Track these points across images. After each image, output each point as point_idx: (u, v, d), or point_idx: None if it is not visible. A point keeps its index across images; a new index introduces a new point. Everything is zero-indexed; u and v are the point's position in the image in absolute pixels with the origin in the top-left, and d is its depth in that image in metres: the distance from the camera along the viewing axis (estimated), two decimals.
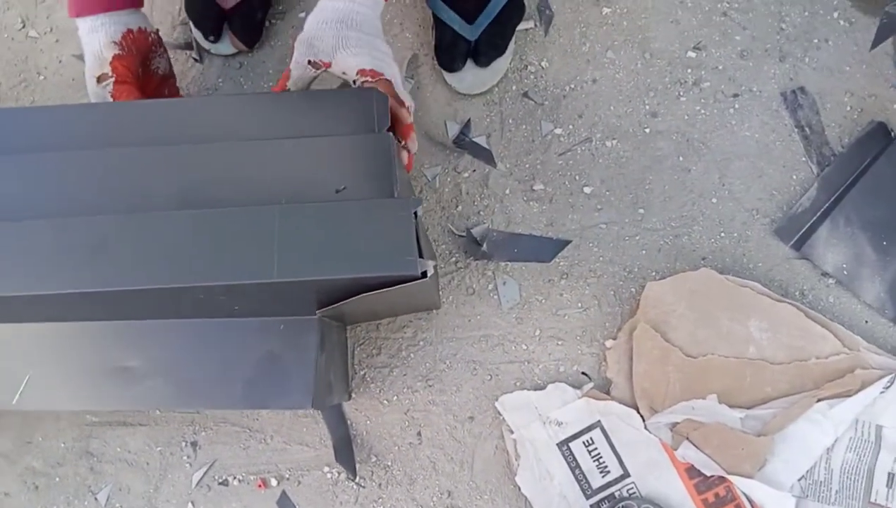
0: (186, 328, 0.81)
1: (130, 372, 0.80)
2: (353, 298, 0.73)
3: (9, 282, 0.71)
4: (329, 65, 0.81)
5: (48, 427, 0.98)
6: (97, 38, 0.85)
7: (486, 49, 1.02)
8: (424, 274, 0.69)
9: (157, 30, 0.93)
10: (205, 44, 1.10)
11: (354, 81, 0.81)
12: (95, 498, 0.95)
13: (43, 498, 0.96)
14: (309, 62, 0.81)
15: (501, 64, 1.04)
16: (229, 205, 0.73)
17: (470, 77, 1.04)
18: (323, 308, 0.77)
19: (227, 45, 1.10)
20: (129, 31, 0.87)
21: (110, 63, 0.85)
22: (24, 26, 1.16)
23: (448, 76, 1.05)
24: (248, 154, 0.76)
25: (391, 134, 0.77)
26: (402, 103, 0.82)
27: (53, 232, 0.73)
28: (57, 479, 0.96)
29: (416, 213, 0.70)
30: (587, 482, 0.90)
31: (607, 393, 0.93)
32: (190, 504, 0.94)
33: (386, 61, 0.82)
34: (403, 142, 0.85)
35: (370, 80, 0.80)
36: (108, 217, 0.73)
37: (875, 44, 0.87)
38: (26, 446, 0.98)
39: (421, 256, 0.69)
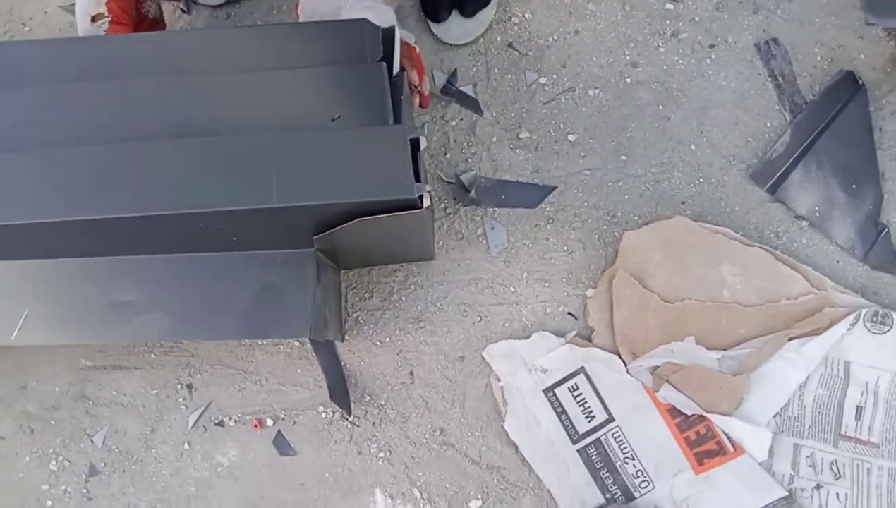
0: (185, 262, 0.77)
1: (129, 306, 0.76)
2: (351, 223, 0.69)
3: (9, 211, 0.66)
4: None
5: (43, 371, 0.92)
6: None
7: (471, 0, 0.96)
8: (421, 200, 0.65)
9: None
10: None
11: None
12: (92, 441, 0.90)
13: (39, 441, 0.90)
14: None
15: (486, 14, 0.98)
16: (226, 134, 0.69)
17: (455, 27, 0.98)
18: (320, 234, 0.71)
19: None
20: None
21: (106, 4, 0.80)
22: None
23: (434, 26, 0.99)
24: (243, 85, 0.72)
25: (383, 63, 0.72)
26: (412, 49, 0.79)
27: (52, 162, 0.68)
28: (52, 422, 0.90)
29: (415, 140, 0.66)
30: (573, 427, 0.86)
31: (589, 340, 0.89)
32: (186, 445, 0.89)
33: (389, 15, 0.78)
34: (419, 86, 0.82)
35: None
36: (107, 146, 0.68)
37: None
38: (21, 390, 0.92)
39: (418, 180, 0.66)
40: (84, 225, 0.68)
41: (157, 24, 0.90)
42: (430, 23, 0.99)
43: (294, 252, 0.77)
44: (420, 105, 0.83)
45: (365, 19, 0.74)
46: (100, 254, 0.77)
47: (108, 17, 0.80)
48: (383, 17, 0.76)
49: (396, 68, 0.71)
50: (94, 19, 0.80)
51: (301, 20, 0.79)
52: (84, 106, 0.71)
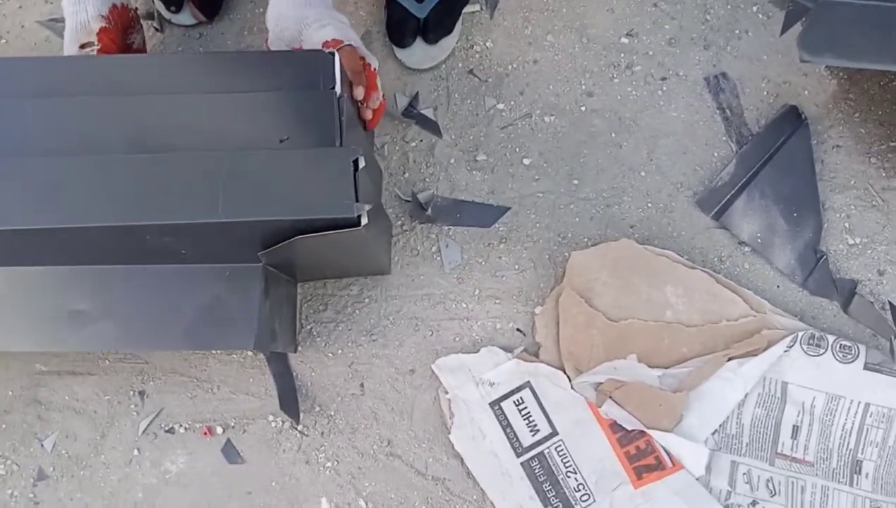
0: (136, 274, 0.78)
1: (81, 315, 0.77)
2: (293, 240, 0.71)
3: None
4: (301, 46, 0.80)
5: None
6: (85, 8, 0.85)
7: (435, 27, 1.00)
8: (359, 220, 0.67)
9: (136, 8, 0.92)
10: (166, 14, 1.06)
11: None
12: (42, 445, 0.90)
13: None
14: None
15: (448, 42, 1.02)
16: (179, 150, 0.71)
17: (419, 53, 1.02)
18: (267, 249, 0.73)
19: (187, 16, 1.06)
20: (115, 6, 0.87)
21: (97, 33, 0.84)
22: None
23: (398, 52, 1.02)
24: (197, 105, 0.74)
25: (334, 90, 0.75)
26: (366, 66, 0.82)
27: (5, 173, 0.69)
28: (3, 426, 0.91)
29: (356, 162, 0.68)
30: (518, 440, 0.88)
31: (536, 355, 0.91)
32: (136, 451, 0.90)
33: (344, 29, 0.82)
34: (366, 103, 0.84)
35: (334, 50, 0.78)
36: (61, 158, 0.70)
37: (783, 30, 0.88)
38: None
39: (358, 200, 0.68)
40: (36, 234, 0.70)
41: (139, 53, 0.93)
42: (394, 48, 1.03)
43: (242, 266, 0.78)
44: (366, 125, 0.85)
45: (321, 50, 0.77)
46: (53, 263, 0.78)
47: (97, 45, 0.83)
48: (341, 31, 0.79)
49: (338, 89, 0.74)
50: (82, 47, 0.84)
51: (271, 47, 0.82)
52: (41, 120, 0.73)
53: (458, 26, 1.03)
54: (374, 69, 0.83)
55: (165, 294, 0.77)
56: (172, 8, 1.04)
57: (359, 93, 0.80)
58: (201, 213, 0.68)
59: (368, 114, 0.84)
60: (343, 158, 0.69)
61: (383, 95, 0.85)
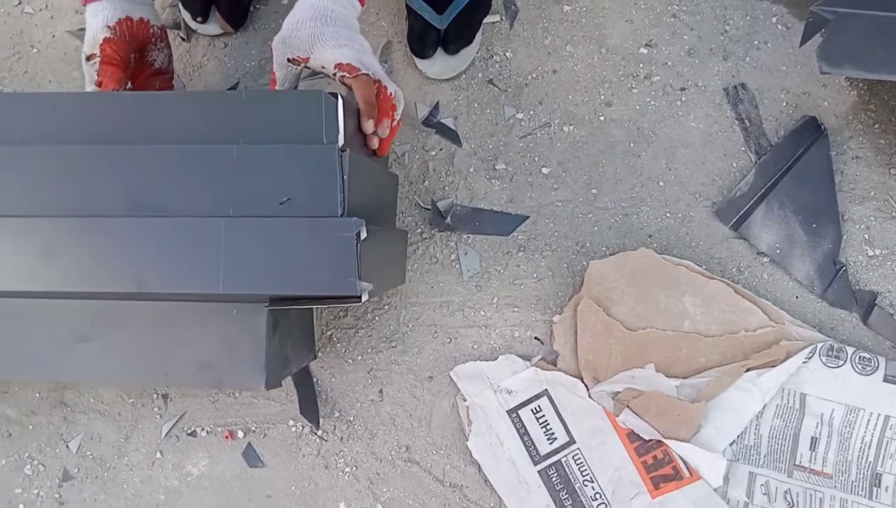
0: (144, 309, 0.75)
1: (88, 347, 0.75)
2: (298, 306, 0.70)
3: None
4: (307, 60, 0.76)
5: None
6: (96, 21, 0.83)
7: (455, 38, 1.01)
8: (360, 298, 0.66)
9: (164, 25, 0.89)
10: (193, 24, 1.07)
11: (334, 75, 0.76)
12: (67, 446, 0.92)
13: (16, 445, 0.92)
14: (288, 60, 0.77)
15: (468, 52, 1.03)
16: (177, 211, 0.69)
17: (439, 63, 1.02)
18: (271, 306, 0.73)
19: (213, 26, 1.07)
20: (129, 18, 0.84)
21: (100, 44, 0.82)
22: (20, 2, 1.13)
23: (419, 62, 1.03)
24: (196, 159, 0.70)
25: (337, 145, 0.70)
26: (382, 90, 0.78)
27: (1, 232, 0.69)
28: (31, 427, 0.92)
29: (358, 234, 0.66)
30: (535, 448, 0.88)
31: (554, 364, 0.92)
32: (159, 454, 0.91)
33: (365, 55, 0.77)
34: (374, 129, 0.79)
35: (347, 75, 0.75)
36: (59, 219, 0.69)
37: (803, 41, 0.87)
38: (1, 395, 0.94)
39: (360, 278, 0.66)
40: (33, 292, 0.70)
41: (161, 74, 0.91)
42: (415, 59, 1.04)
43: (250, 306, 0.75)
44: (376, 152, 0.82)
45: (323, 92, 0.72)
46: (59, 297, 0.76)
47: (98, 57, 0.81)
48: (358, 55, 0.76)
49: (341, 141, 0.70)
50: (88, 58, 0.82)
51: (274, 54, 0.79)
52: (35, 172, 0.71)
53: (478, 37, 1.04)
54: (391, 94, 0.79)
55: (175, 330, 0.75)
56: (199, 18, 1.05)
57: (368, 126, 0.77)
58: (201, 285, 0.67)
59: (375, 144, 0.80)
60: (345, 230, 0.66)
61: (400, 115, 0.82)
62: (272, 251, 0.67)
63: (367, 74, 0.75)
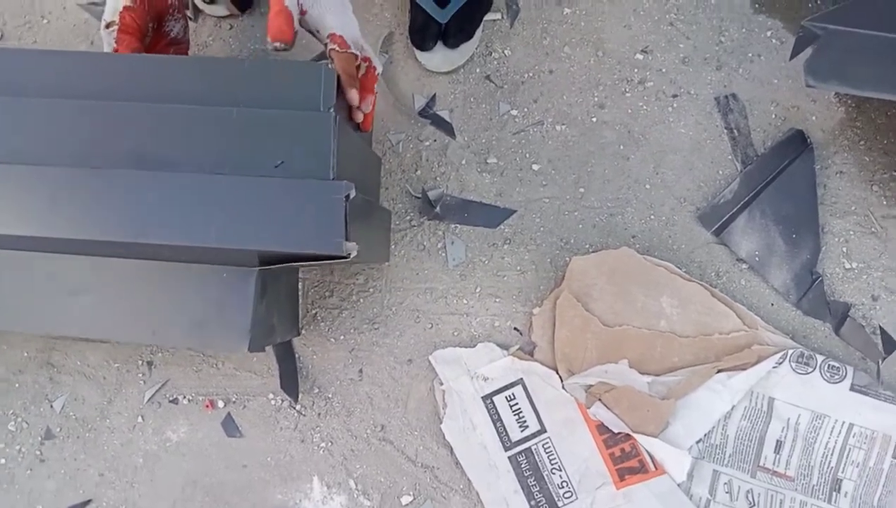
0: (138, 267, 0.78)
1: (79, 301, 0.77)
2: (286, 265, 0.72)
3: None
4: (305, 13, 0.78)
5: (14, 337, 0.96)
6: None
7: (455, 32, 1.03)
8: (348, 256, 0.68)
9: None
10: (201, 4, 1.09)
11: (326, 45, 0.78)
12: (51, 406, 0.93)
13: (1, 402, 0.94)
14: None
15: (468, 47, 1.04)
16: (177, 167, 0.71)
17: (439, 56, 1.04)
18: (261, 266, 0.75)
19: (220, 8, 1.09)
20: None
21: (120, 13, 0.82)
22: None
23: (419, 54, 1.05)
24: (198, 119, 0.73)
25: (332, 113, 0.73)
26: (373, 72, 0.81)
27: (7, 178, 0.70)
28: (17, 385, 0.94)
29: (348, 196, 0.68)
30: (507, 435, 0.89)
31: (531, 354, 0.93)
32: (140, 418, 0.92)
33: (356, 32, 0.80)
34: (358, 105, 0.82)
35: (337, 48, 0.77)
36: (66, 169, 0.71)
37: (793, 55, 0.89)
38: None
39: (348, 238, 0.68)
40: (38, 239, 0.71)
41: (178, 43, 0.92)
42: (416, 51, 1.06)
43: (239, 269, 0.78)
44: (361, 127, 0.84)
45: (323, 64, 0.75)
46: (55, 251, 0.79)
47: (117, 25, 0.81)
48: (352, 32, 0.79)
49: (332, 101, 0.73)
50: (107, 26, 0.83)
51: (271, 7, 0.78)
52: (44, 124, 0.73)
53: (479, 33, 1.05)
54: (378, 73, 0.82)
55: (166, 290, 0.77)
56: None
57: (353, 97, 0.79)
58: (195, 237, 0.68)
59: (360, 117, 0.83)
60: (336, 192, 0.68)
61: (377, 96, 0.84)
62: (264, 209, 0.69)
63: (355, 54, 0.78)
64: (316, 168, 0.71)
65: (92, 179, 0.70)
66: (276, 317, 0.85)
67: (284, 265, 0.83)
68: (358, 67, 0.81)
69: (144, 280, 0.78)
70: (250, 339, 0.76)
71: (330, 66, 0.74)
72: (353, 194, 0.68)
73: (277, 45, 0.76)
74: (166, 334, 0.78)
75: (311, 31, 0.80)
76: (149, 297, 0.78)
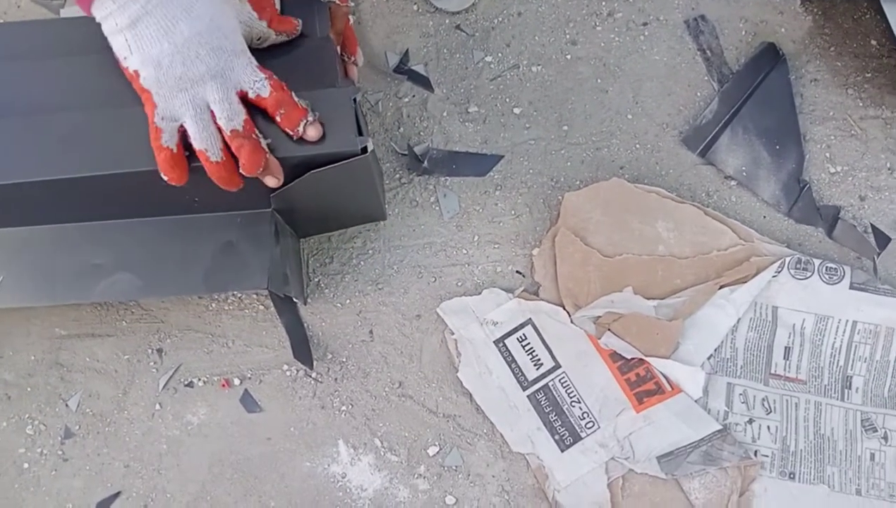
0: (151, 225, 0.79)
1: (99, 268, 0.77)
2: (305, 177, 0.72)
3: None
4: None
5: (18, 341, 0.92)
6: None
7: None
8: (365, 150, 0.68)
9: None
10: None
11: None
12: (66, 405, 0.90)
13: (16, 407, 0.90)
14: None
15: None
16: None
17: None
18: (278, 189, 0.73)
19: None
20: None
21: None
22: None
23: (435, 1, 1.02)
24: None
25: (330, 37, 0.76)
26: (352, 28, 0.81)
27: (21, 127, 0.70)
28: (28, 389, 0.91)
29: (356, 99, 0.70)
30: (523, 375, 0.88)
31: (536, 294, 0.92)
32: (158, 405, 0.90)
33: None
34: (353, 58, 0.84)
35: (338, 1, 0.76)
36: (76, 112, 0.70)
37: None
38: None
39: (360, 134, 0.69)
40: (50, 186, 0.70)
41: None
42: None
43: (253, 212, 0.79)
44: (347, 74, 0.85)
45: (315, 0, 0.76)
46: (71, 220, 0.79)
47: None
48: None
49: (327, 30, 0.76)
50: None
51: None
52: (57, 79, 0.73)
53: None
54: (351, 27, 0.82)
55: (181, 243, 0.78)
56: None
57: (354, 50, 0.82)
58: None
59: (354, 73, 0.85)
60: (344, 97, 0.70)
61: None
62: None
63: (349, 8, 0.78)
64: (323, 82, 0.73)
65: (107, 119, 0.70)
66: (289, 269, 0.85)
67: (289, 223, 0.85)
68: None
69: (161, 236, 0.78)
70: (269, 277, 0.77)
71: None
72: (359, 98, 0.71)
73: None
74: (188, 284, 0.78)
75: None
76: (166, 253, 0.78)
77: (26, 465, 0.89)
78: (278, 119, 0.68)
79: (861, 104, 0.97)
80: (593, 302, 0.89)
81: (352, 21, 0.83)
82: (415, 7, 1.03)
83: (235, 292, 0.92)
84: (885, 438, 0.85)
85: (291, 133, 0.69)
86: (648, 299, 0.88)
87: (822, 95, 0.97)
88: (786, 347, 0.88)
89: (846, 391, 0.86)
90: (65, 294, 0.78)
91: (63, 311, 0.93)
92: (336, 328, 0.92)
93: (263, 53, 0.73)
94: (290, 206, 0.80)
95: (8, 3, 1.07)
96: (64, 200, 0.73)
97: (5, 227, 0.79)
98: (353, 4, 0.80)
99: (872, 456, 0.84)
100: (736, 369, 0.88)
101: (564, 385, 0.87)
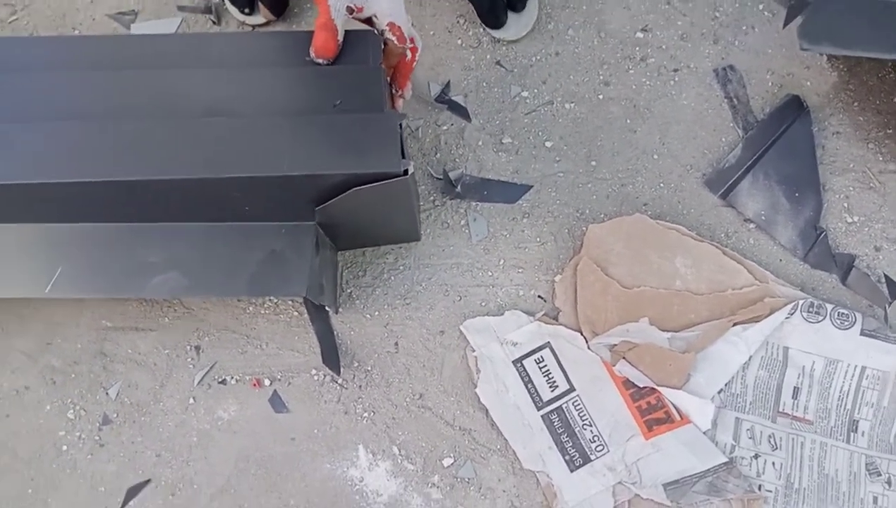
0: (202, 230, 0.82)
1: (151, 266, 0.80)
2: (348, 193, 0.75)
3: (50, 171, 0.73)
4: (362, 10, 0.76)
5: (67, 330, 0.96)
6: None
7: None
8: (406, 172, 0.70)
9: None
10: (239, 17, 1.08)
11: (382, 32, 0.78)
12: (107, 393, 0.93)
13: (60, 392, 0.94)
14: (347, 7, 0.75)
15: (532, 3, 1.04)
16: (247, 116, 0.75)
17: (513, 26, 1.04)
18: (321, 205, 0.76)
19: (258, 17, 1.07)
20: None
21: None
22: None
23: (494, 32, 1.05)
24: (262, 78, 0.78)
25: (382, 68, 0.79)
26: (411, 64, 0.83)
27: (90, 131, 0.74)
28: (73, 376, 0.94)
29: (401, 125, 0.73)
30: (538, 395, 0.90)
31: (556, 319, 0.93)
32: (191, 400, 0.93)
33: (403, 12, 0.78)
34: (400, 92, 0.86)
35: (395, 41, 0.78)
36: (142, 121, 0.74)
37: (786, 23, 0.89)
38: (47, 346, 0.95)
39: (404, 157, 0.72)
40: (115, 187, 0.73)
41: None
42: (490, 31, 1.04)
43: (297, 224, 0.82)
44: (393, 105, 0.87)
45: (371, 31, 0.79)
46: (127, 220, 0.82)
47: None
48: (408, 22, 0.78)
49: (379, 60, 0.79)
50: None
51: (331, 4, 0.75)
52: (129, 88, 0.78)
53: None
54: (419, 51, 0.82)
55: (229, 248, 0.81)
56: (246, 10, 1.06)
57: (404, 84, 0.84)
58: (269, 168, 0.72)
59: (400, 104, 0.87)
60: (390, 121, 0.74)
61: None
62: (329, 140, 0.74)
63: (407, 50, 0.80)
64: (370, 108, 0.76)
65: (172, 128, 0.75)
66: (325, 279, 0.88)
67: (330, 236, 0.88)
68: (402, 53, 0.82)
69: (211, 240, 0.81)
70: (308, 285, 0.79)
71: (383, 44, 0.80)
72: (405, 124, 0.74)
73: (320, 60, 0.78)
74: (232, 286, 0.81)
75: (363, 21, 0.78)
76: (214, 256, 0.81)
77: (65, 447, 0.92)
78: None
79: (881, 158, 0.98)
80: (610, 331, 0.90)
81: (409, 57, 0.83)
82: (459, 42, 1.06)
83: (273, 297, 0.95)
84: (889, 483, 0.84)
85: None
86: (663, 331, 0.89)
87: (843, 148, 0.98)
88: (795, 387, 0.88)
89: (852, 434, 0.86)
90: (118, 288, 0.81)
91: (112, 305, 0.96)
92: (364, 338, 0.94)
93: (323, 75, 0.77)
94: (332, 221, 0.82)
95: (84, 16, 1.12)
96: (126, 201, 0.77)
97: (66, 223, 0.83)
98: (410, 46, 0.81)
99: (875, 500, 0.84)
100: (745, 405, 0.88)
101: (577, 407, 0.88)
